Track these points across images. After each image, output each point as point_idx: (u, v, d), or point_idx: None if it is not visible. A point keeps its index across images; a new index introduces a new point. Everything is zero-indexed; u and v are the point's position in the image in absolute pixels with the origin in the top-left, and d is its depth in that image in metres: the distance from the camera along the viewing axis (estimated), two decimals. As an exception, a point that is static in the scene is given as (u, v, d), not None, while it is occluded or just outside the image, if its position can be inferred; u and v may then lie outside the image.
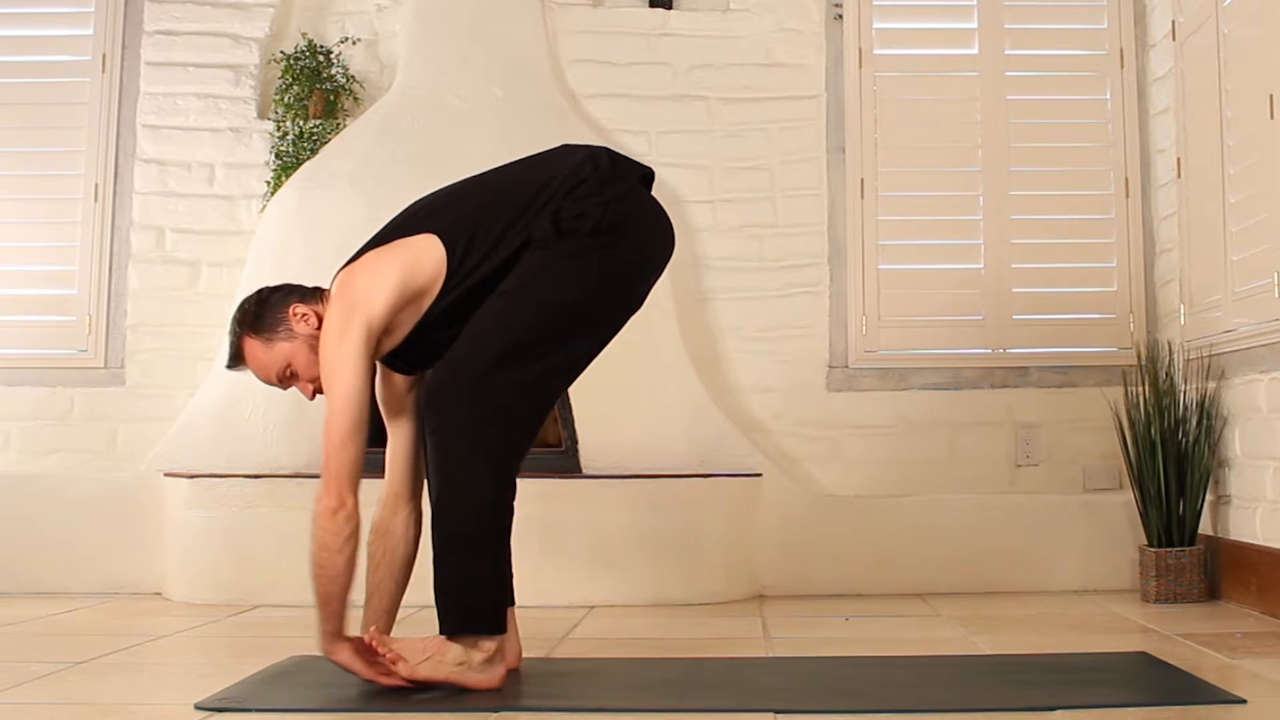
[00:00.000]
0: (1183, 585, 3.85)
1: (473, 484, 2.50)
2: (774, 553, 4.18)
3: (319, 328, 2.61)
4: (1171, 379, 4.04)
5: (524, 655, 2.81)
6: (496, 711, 2.37)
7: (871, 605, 3.92)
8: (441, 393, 2.53)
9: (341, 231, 4.05)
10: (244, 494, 4.02)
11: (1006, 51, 4.60)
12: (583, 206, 2.59)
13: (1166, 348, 4.26)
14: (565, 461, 4.23)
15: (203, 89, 4.66)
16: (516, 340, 2.54)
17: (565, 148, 2.77)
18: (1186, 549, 3.87)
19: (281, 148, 4.55)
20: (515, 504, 2.63)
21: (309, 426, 4.17)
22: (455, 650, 2.51)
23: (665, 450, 4.24)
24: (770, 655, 3.08)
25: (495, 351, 2.53)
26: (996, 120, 4.56)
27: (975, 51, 4.61)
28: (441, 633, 2.53)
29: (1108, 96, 4.58)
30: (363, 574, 2.61)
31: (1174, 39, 4.25)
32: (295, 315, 2.62)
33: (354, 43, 4.69)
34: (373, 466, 2.64)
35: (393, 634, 2.70)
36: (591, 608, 3.88)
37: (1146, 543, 3.98)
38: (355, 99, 4.67)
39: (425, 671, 2.49)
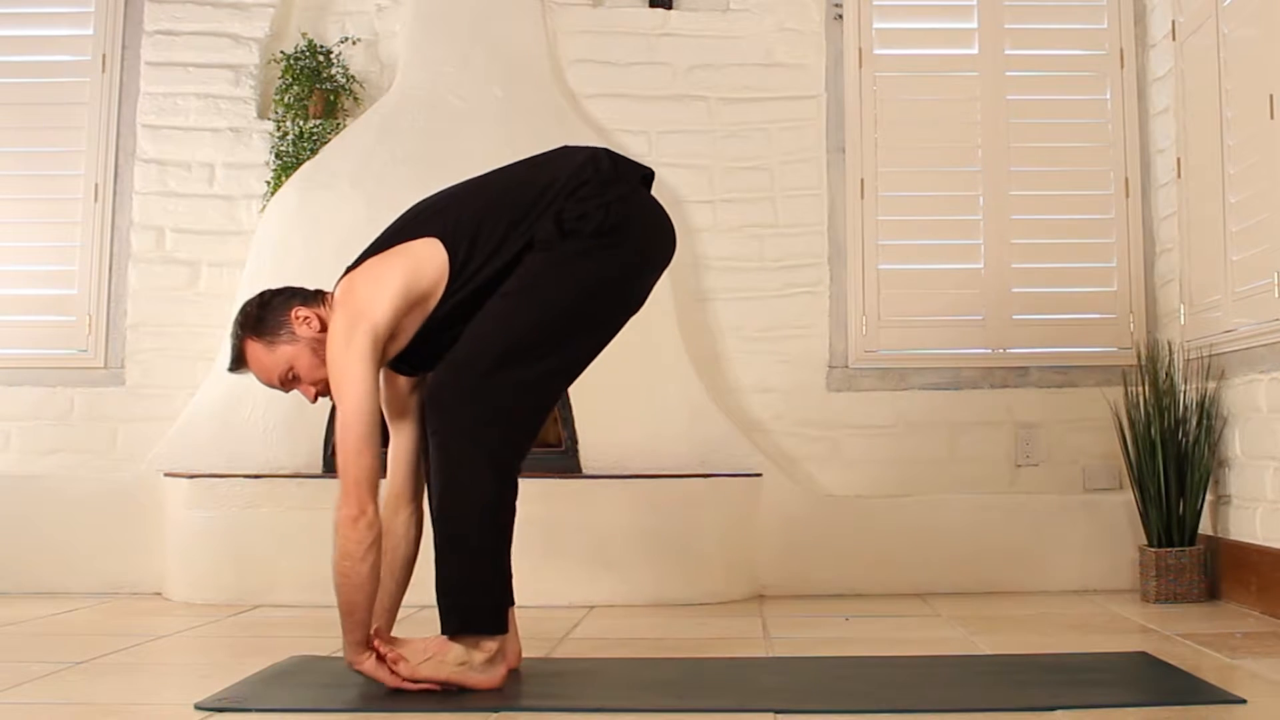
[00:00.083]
0: (1183, 585, 3.85)
1: (474, 484, 2.51)
2: (774, 553, 4.18)
3: (321, 331, 2.61)
4: (1171, 379, 4.04)
5: (524, 655, 2.81)
6: (497, 711, 2.37)
7: (871, 605, 3.92)
8: (443, 393, 2.54)
9: (341, 232, 4.06)
10: (244, 494, 4.02)
11: (1006, 51, 4.60)
12: (585, 208, 2.60)
13: (1166, 348, 4.26)
14: (565, 461, 4.23)
15: (203, 89, 4.66)
16: (518, 341, 2.55)
17: (566, 149, 2.77)
18: (1186, 549, 3.87)
19: (281, 148, 4.55)
20: (516, 504, 2.63)
21: (309, 427, 4.17)
22: (456, 650, 2.51)
23: (665, 450, 4.24)
24: (770, 655, 3.08)
25: (497, 352, 2.53)
26: (996, 120, 4.56)
27: (975, 51, 4.61)
28: (443, 633, 2.53)
29: (1108, 96, 4.58)
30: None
31: (1174, 39, 4.25)
32: (297, 318, 2.62)
33: (354, 43, 4.69)
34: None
35: (393, 634, 2.71)
36: (591, 608, 3.88)
37: (1146, 543, 3.98)
38: (355, 99, 4.67)
39: (426, 671, 2.49)
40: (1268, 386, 3.58)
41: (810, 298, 4.57)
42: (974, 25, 4.62)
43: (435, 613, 2.54)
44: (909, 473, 4.46)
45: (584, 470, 4.21)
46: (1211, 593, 3.90)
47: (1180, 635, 3.22)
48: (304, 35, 4.66)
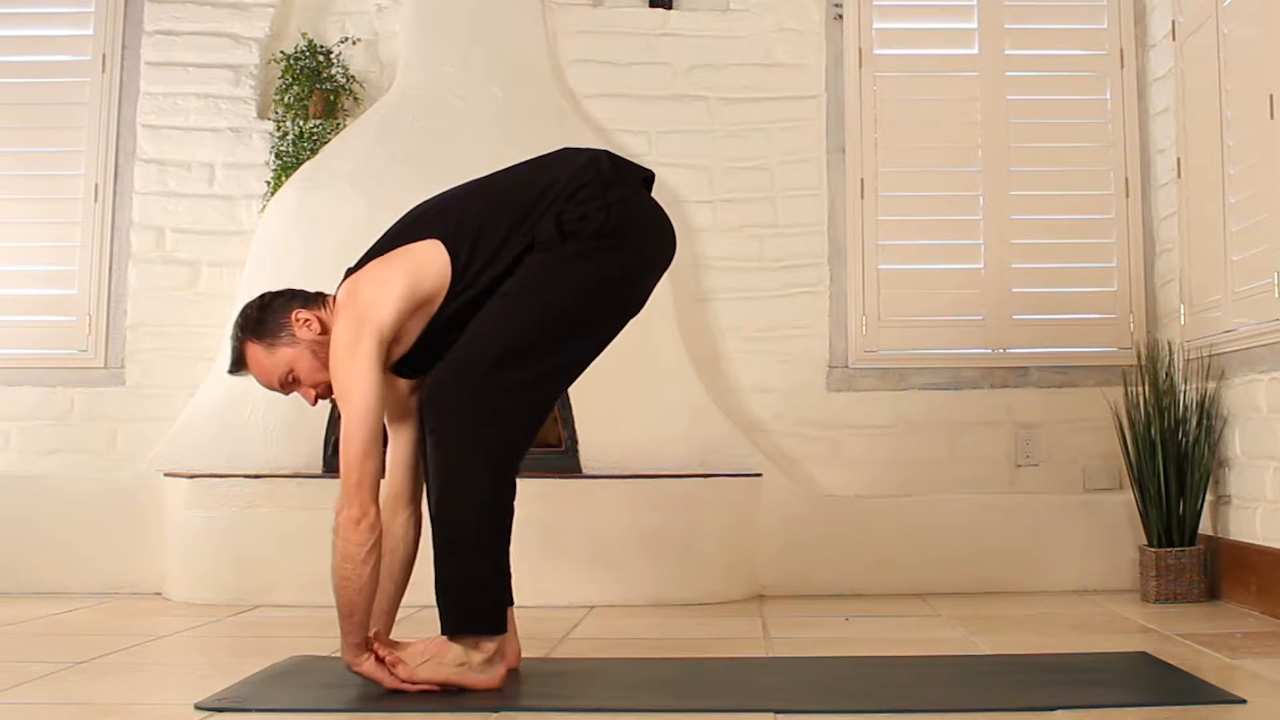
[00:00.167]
0: (1183, 585, 3.85)
1: (472, 484, 2.51)
2: (774, 553, 4.18)
3: (322, 333, 2.61)
4: (1171, 379, 4.04)
5: (524, 655, 2.81)
6: (496, 711, 2.37)
7: (871, 605, 3.92)
8: (442, 393, 2.54)
9: (341, 232, 4.06)
10: (244, 494, 4.02)
11: (1006, 51, 4.60)
12: (585, 210, 2.60)
13: (1166, 348, 4.26)
14: (565, 461, 4.23)
15: (203, 89, 4.66)
16: (518, 341, 2.55)
17: (567, 151, 2.77)
18: (1186, 549, 3.87)
19: (281, 148, 4.55)
20: (515, 504, 2.63)
21: (309, 427, 4.17)
22: (455, 651, 2.51)
23: (665, 450, 4.24)
24: (770, 655, 3.08)
25: (496, 352, 2.54)
26: (996, 120, 4.56)
27: (975, 51, 4.61)
28: (442, 633, 2.53)
29: (1108, 96, 4.58)
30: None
31: (1174, 39, 4.25)
32: (298, 320, 2.62)
33: (354, 43, 4.69)
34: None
35: (392, 634, 2.71)
36: (591, 608, 3.88)
37: (1146, 543, 3.98)
38: (355, 99, 4.67)
39: (426, 673, 2.50)
40: (1268, 386, 3.58)
41: (810, 298, 4.57)
42: (974, 25, 4.62)
43: (435, 613, 2.54)
44: (909, 473, 4.46)
45: (584, 470, 4.21)
46: (1211, 593, 3.90)
47: (1180, 635, 3.22)
48: (304, 35, 4.66)
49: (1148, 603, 3.86)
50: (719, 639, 3.34)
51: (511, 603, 2.76)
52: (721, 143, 4.63)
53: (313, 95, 4.58)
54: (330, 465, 4.07)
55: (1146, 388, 4.02)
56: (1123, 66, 4.57)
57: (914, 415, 4.50)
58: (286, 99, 4.58)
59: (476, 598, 2.52)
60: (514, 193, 2.65)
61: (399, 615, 2.76)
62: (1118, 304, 4.51)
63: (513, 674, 2.67)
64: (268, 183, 4.57)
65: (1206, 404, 3.92)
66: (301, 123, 4.55)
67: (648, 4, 4.72)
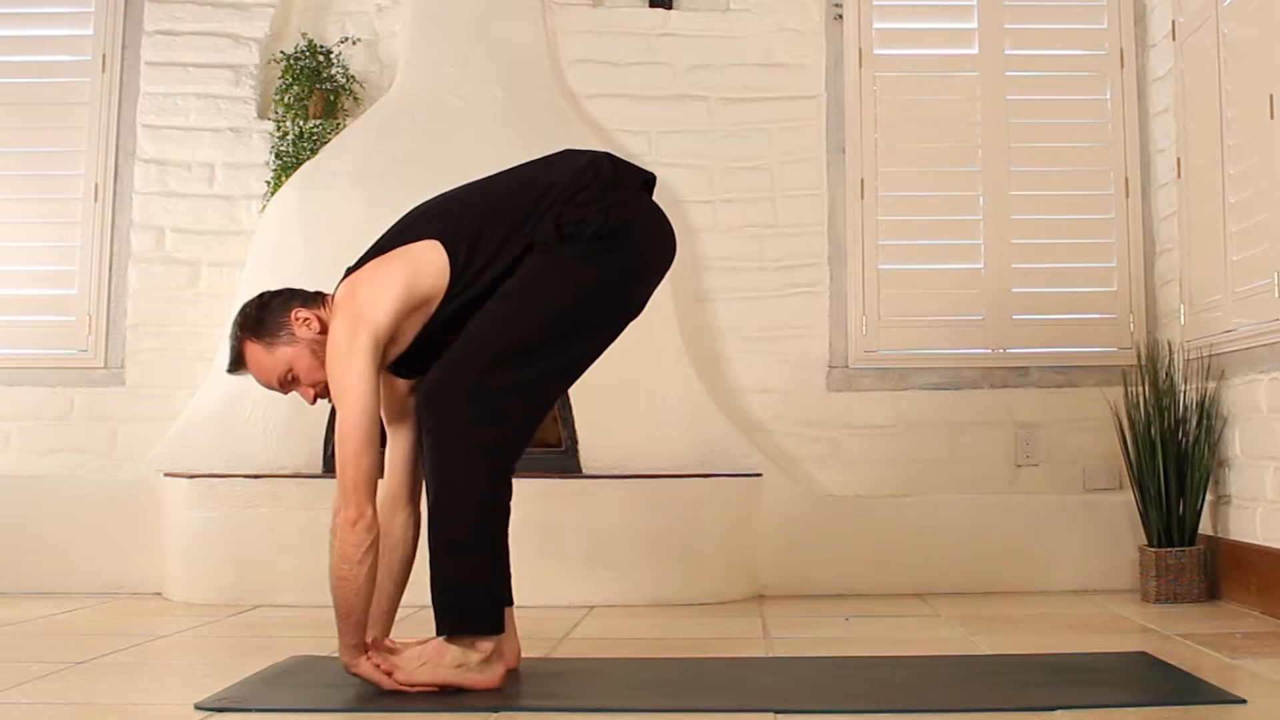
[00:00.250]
0: (1183, 585, 3.85)
1: (469, 484, 2.50)
2: (774, 553, 4.18)
3: (321, 332, 2.61)
4: (1171, 379, 4.04)
5: (524, 655, 2.81)
6: (496, 711, 2.38)
7: (871, 605, 3.92)
8: (439, 393, 2.54)
9: (341, 232, 4.06)
10: (244, 494, 4.02)
11: (1006, 51, 4.60)
12: (585, 212, 2.60)
13: (1166, 348, 4.26)
14: (565, 461, 4.23)
15: (203, 89, 4.66)
16: (517, 342, 2.55)
17: (568, 153, 2.77)
18: (1186, 549, 3.87)
19: (281, 148, 4.55)
20: (514, 504, 2.63)
21: (309, 427, 4.17)
22: (453, 652, 2.51)
23: (665, 450, 4.24)
24: (770, 655, 3.08)
25: (494, 352, 2.53)
26: (996, 120, 4.56)
27: (975, 51, 4.61)
28: (438, 633, 2.53)
29: (1108, 96, 4.58)
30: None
31: (1174, 39, 4.25)
32: (297, 320, 2.62)
33: (354, 43, 4.69)
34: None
35: (391, 634, 2.71)
36: (591, 608, 3.88)
37: (1146, 543, 3.98)
38: (355, 99, 4.67)
39: (424, 676, 2.50)
40: (1268, 386, 3.58)
41: (810, 298, 4.57)
42: (974, 25, 4.62)
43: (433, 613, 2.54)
44: (909, 473, 4.46)
45: (584, 470, 4.21)
46: (1211, 593, 3.90)
47: (1180, 635, 3.22)
48: (304, 35, 4.66)
49: (1148, 603, 3.86)
50: (719, 639, 3.34)
51: (511, 603, 2.76)
52: (721, 143, 4.63)
53: (313, 95, 4.58)
54: (330, 466, 4.07)
55: (1146, 388, 4.02)
56: (1123, 66, 4.57)
57: (914, 415, 4.50)
58: (286, 99, 4.58)
59: (473, 598, 2.52)
60: (514, 194, 2.65)
61: (398, 615, 2.76)
62: (1118, 304, 4.51)
63: (513, 674, 2.67)
64: (268, 183, 4.57)
65: (1206, 404, 3.92)
66: (301, 123, 4.55)
67: (648, 4, 4.72)
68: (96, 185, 4.63)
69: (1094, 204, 4.55)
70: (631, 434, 4.24)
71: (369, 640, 2.55)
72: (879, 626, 3.50)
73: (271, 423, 4.20)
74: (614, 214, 2.61)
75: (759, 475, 4.22)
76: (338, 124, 4.58)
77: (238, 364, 2.67)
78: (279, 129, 4.58)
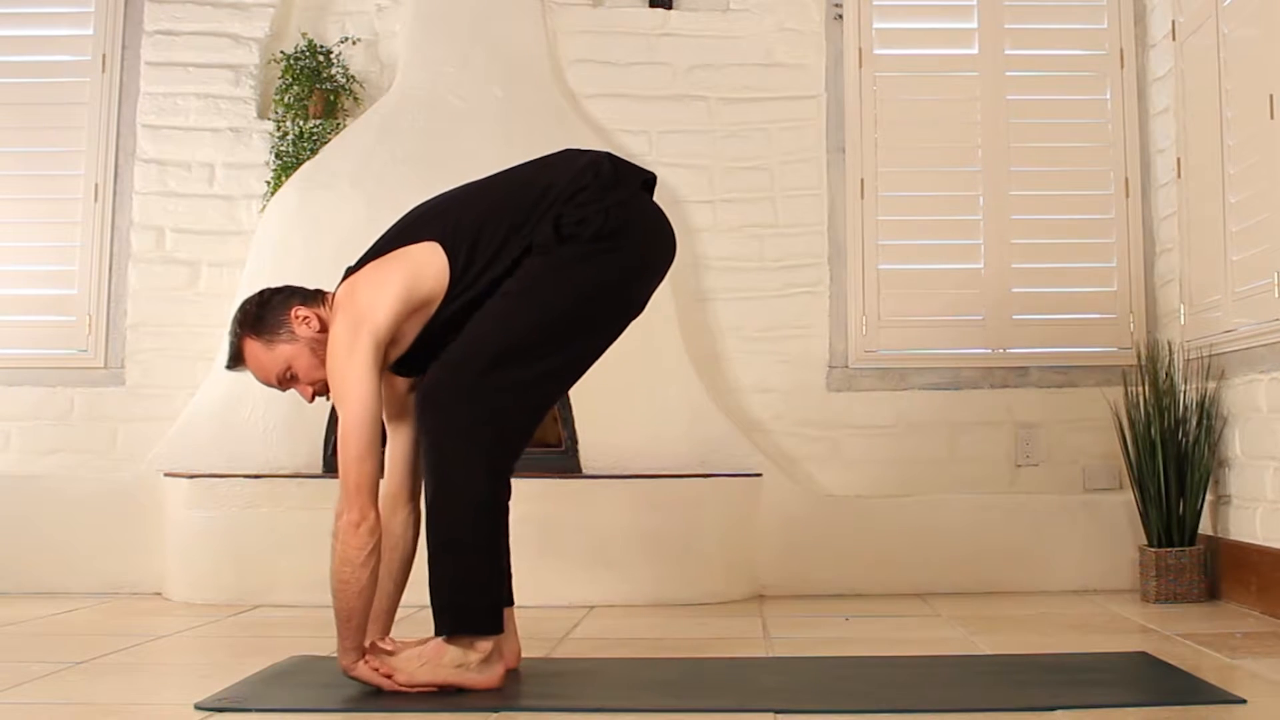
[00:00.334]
0: (1183, 585, 3.85)
1: (468, 484, 2.50)
2: (774, 553, 4.18)
3: (320, 330, 2.61)
4: (1171, 379, 4.04)
5: (524, 655, 2.81)
6: (496, 711, 2.37)
7: (871, 605, 3.92)
8: (438, 393, 2.53)
9: (341, 231, 4.06)
10: (244, 494, 4.02)
11: (1006, 51, 4.60)
12: (584, 213, 2.59)
13: (1166, 348, 4.26)
14: (565, 461, 4.23)
15: (203, 89, 4.66)
16: (516, 341, 2.55)
17: (568, 153, 2.76)
18: (1186, 549, 3.87)
19: (281, 148, 4.55)
20: (514, 504, 2.63)
21: (309, 427, 4.17)
22: (453, 652, 2.51)
23: (665, 450, 4.24)
24: (770, 655, 3.08)
25: (493, 352, 2.53)
26: (996, 120, 4.56)
27: (975, 51, 4.61)
28: (437, 633, 2.53)
29: (1108, 96, 4.58)
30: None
31: (1174, 39, 4.25)
32: (297, 318, 2.62)
33: (354, 43, 4.69)
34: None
35: (391, 633, 2.71)
36: (591, 608, 3.88)
37: (1146, 543, 3.98)
38: (355, 99, 4.67)
39: (424, 676, 2.49)
40: (1268, 386, 3.58)
41: (810, 298, 4.57)
42: (974, 25, 4.62)
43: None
44: (909, 473, 4.46)
45: (584, 470, 4.21)
46: (1211, 593, 3.90)
47: (1180, 635, 3.22)
48: (304, 35, 4.66)
49: (1148, 603, 3.86)
50: (719, 639, 3.34)
51: (511, 603, 2.76)
52: (721, 143, 4.63)
53: (313, 95, 4.58)
54: (330, 465, 4.07)
55: (1146, 388, 4.02)
56: (1123, 66, 4.57)
57: (914, 415, 4.50)
58: (286, 99, 4.58)
59: (472, 598, 2.51)
60: (513, 195, 2.65)
61: (398, 615, 2.76)
62: (1118, 304, 4.51)
63: (513, 674, 2.67)
64: (268, 183, 4.57)
65: (1206, 404, 3.92)
66: (301, 123, 4.55)
67: (648, 4, 4.72)
68: (96, 185, 4.63)
69: (1094, 204, 4.55)
70: (631, 434, 4.24)
71: (367, 644, 2.55)
72: (879, 626, 3.50)
73: (271, 423, 4.20)
74: (613, 214, 2.61)
75: (759, 475, 4.22)
76: (338, 124, 4.58)
77: (237, 361, 2.67)
78: (279, 129, 4.58)
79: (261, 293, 2.69)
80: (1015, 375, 4.51)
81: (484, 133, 4.40)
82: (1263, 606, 3.56)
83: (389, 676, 2.49)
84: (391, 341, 2.57)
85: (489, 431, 2.51)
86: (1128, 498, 4.15)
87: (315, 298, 2.67)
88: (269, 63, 4.69)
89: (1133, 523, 4.10)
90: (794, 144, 4.62)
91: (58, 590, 4.12)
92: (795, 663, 2.94)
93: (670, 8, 4.70)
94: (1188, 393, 4.05)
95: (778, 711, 2.35)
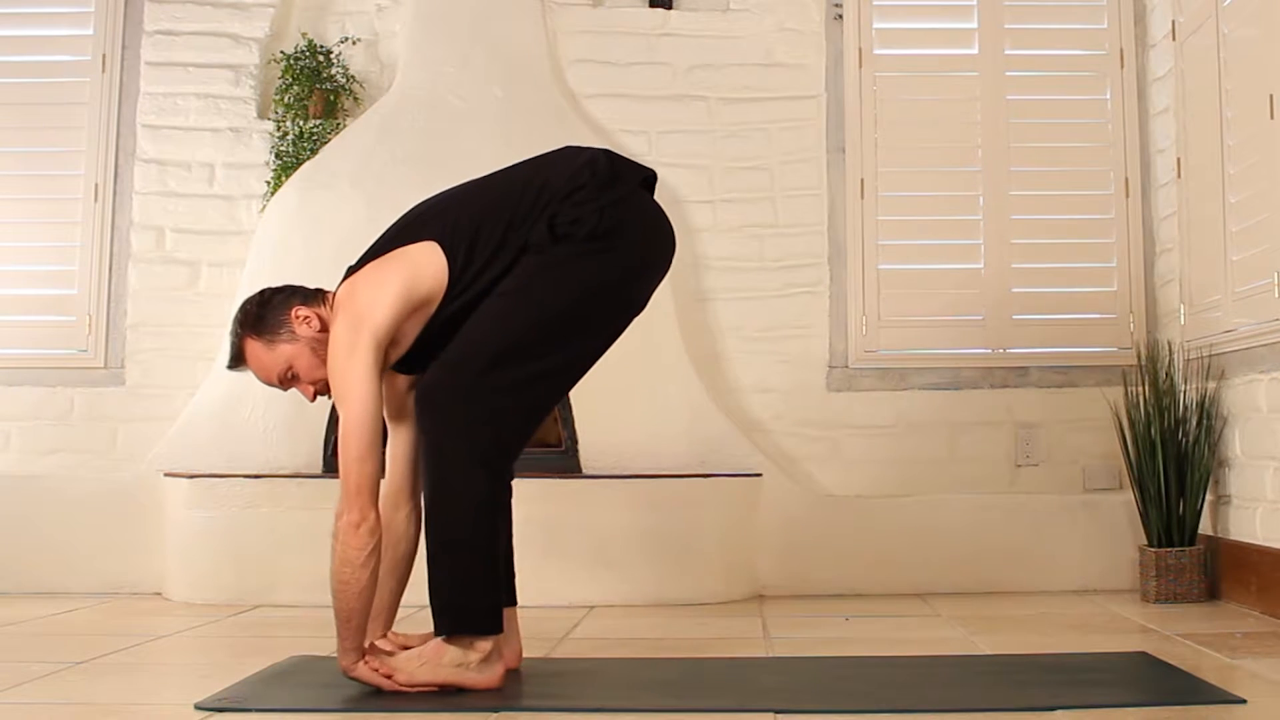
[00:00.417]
0: (1183, 585, 3.85)
1: (466, 485, 2.50)
2: (774, 553, 4.18)
3: (321, 330, 2.61)
4: (1171, 379, 4.04)
5: (524, 655, 2.81)
6: (496, 711, 2.37)
7: (871, 605, 3.92)
8: (436, 393, 2.53)
9: (341, 231, 4.06)
10: (244, 494, 4.02)
11: (1006, 51, 4.60)
12: (579, 212, 2.59)
13: (1166, 348, 4.26)
14: (565, 461, 4.23)
15: (203, 89, 4.66)
16: (514, 341, 2.54)
17: (568, 150, 2.76)
18: (1186, 549, 3.87)
19: (281, 148, 4.55)
20: (515, 504, 2.63)
21: (309, 426, 4.17)
22: (452, 652, 2.51)
23: (665, 450, 4.24)
24: (770, 655, 3.08)
25: (491, 352, 2.53)
26: (996, 120, 4.56)
27: (975, 51, 4.61)
28: (436, 633, 2.53)
29: (1108, 96, 4.58)
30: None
31: (1174, 39, 4.25)
32: (297, 318, 2.62)
33: (354, 43, 4.69)
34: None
35: (394, 630, 2.71)
36: (591, 608, 3.88)
37: (1146, 543, 3.98)
38: (355, 99, 4.67)
39: (424, 675, 2.49)
40: (1268, 386, 3.58)
41: (810, 298, 4.57)
42: (974, 25, 4.62)
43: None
44: (909, 473, 4.46)
45: (584, 470, 4.21)
46: (1211, 593, 3.90)
47: (1180, 635, 3.22)
48: (304, 35, 4.66)
49: (1148, 603, 3.86)
50: (719, 639, 3.34)
51: (514, 603, 2.76)
52: (721, 143, 4.63)
53: (313, 95, 4.58)
54: (330, 465, 4.07)
55: (1146, 388, 4.02)
56: (1123, 66, 4.57)
57: (914, 415, 4.50)
58: (286, 99, 4.58)
59: (471, 598, 2.51)
60: (511, 194, 2.64)
61: (399, 614, 2.76)
62: (1118, 304, 4.51)
63: (513, 674, 2.67)
64: (268, 183, 4.57)
65: (1206, 404, 3.92)
66: (301, 123, 4.55)
67: (648, 4, 4.72)
68: (96, 185, 4.63)
69: (1094, 204, 4.55)
70: (631, 434, 4.24)
71: (366, 644, 2.55)
72: (879, 626, 3.50)
73: (271, 423, 4.20)
74: (609, 213, 2.60)
75: (759, 475, 4.22)
76: (338, 124, 4.59)
77: (238, 361, 2.67)
78: (279, 129, 4.58)
79: (262, 292, 2.69)
80: (1015, 375, 4.51)
81: (484, 133, 4.40)
82: (1263, 606, 3.56)
83: (389, 676, 2.49)
84: (392, 341, 2.57)
85: (487, 431, 2.51)
86: (1128, 498, 4.15)
87: (316, 297, 2.67)
88: (269, 63, 4.69)
89: (1133, 523, 4.10)
90: (794, 144, 4.62)
91: (58, 590, 4.12)
92: (795, 663, 2.94)
93: (670, 8, 4.70)
94: (1188, 393, 4.05)
95: (778, 711, 2.35)
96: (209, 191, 4.62)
